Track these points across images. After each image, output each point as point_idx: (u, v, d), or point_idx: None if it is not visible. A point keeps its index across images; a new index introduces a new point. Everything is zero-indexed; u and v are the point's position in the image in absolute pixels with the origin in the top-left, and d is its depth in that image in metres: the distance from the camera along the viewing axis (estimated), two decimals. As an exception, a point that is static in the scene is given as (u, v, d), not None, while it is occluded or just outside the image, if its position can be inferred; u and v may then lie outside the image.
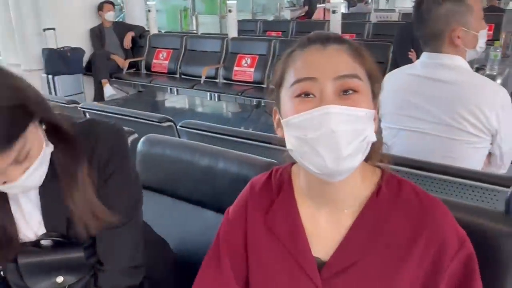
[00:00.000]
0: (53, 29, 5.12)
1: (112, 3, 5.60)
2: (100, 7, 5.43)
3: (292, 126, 0.73)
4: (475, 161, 1.38)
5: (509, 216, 0.92)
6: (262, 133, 1.49)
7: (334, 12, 4.24)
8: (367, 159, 0.78)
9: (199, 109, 6.06)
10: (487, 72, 2.98)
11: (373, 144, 0.75)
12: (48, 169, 0.91)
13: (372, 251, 0.76)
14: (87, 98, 5.43)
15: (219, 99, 4.83)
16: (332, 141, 0.69)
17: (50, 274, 0.97)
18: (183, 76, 5.23)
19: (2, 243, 0.94)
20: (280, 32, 6.84)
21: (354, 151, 0.70)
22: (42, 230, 0.96)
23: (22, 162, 0.83)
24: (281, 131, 0.77)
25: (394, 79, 1.56)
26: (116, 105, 5.59)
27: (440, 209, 0.77)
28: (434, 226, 0.75)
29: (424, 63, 1.48)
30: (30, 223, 0.96)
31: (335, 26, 4.30)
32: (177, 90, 5.12)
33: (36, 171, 0.87)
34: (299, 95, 0.72)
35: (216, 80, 4.97)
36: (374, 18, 7.58)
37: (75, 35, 5.33)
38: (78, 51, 5.28)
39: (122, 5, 6.83)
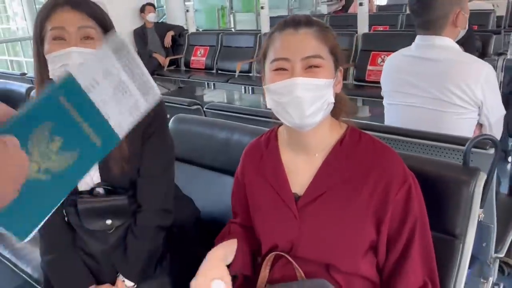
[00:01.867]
0: (101, 31, 5.53)
1: (153, 5, 5.96)
2: (142, 9, 5.79)
3: (270, 91, 0.99)
4: (463, 131, 1.55)
5: (466, 167, 1.12)
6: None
7: (361, 4, 4.36)
8: (335, 115, 1.03)
9: (236, 103, 6.34)
10: (508, 57, 3.05)
11: (339, 104, 1.01)
12: None
13: (335, 185, 1.00)
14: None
15: (253, 91, 5.07)
16: (297, 104, 0.94)
17: (102, 217, 1.23)
18: (219, 71, 5.50)
19: None
20: (313, 27, 6.96)
21: (315, 110, 0.95)
22: (97, 177, 1.23)
23: (86, 43, 1.12)
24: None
25: (392, 61, 1.76)
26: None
27: (390, 154, 1.00)
28: (383, 166, 0.98)
29: (417, 45, 1.67)
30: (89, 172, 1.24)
31: (363, 18, 4.41)
32: (213, 84, 5.40)
33: (84, 58, 1.08)
34: (276, 69, 0.97)
35: (250, 74, 5.21)
36: (410, 9, 7.54)
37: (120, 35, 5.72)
38: (123, 51, 5.67)
39: (163, 6, 7.19)
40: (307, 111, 0.94)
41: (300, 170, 1.05)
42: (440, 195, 1.11)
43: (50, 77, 1.15)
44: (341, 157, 1.02)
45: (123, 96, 0.47)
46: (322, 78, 0.95)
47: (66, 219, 1.26)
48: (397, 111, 1.71)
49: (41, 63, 1.15)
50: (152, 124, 1.24)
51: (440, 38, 1.61)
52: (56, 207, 0.43)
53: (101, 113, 0.45)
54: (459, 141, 1.30)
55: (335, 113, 1.04)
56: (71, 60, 1.11)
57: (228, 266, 1.06)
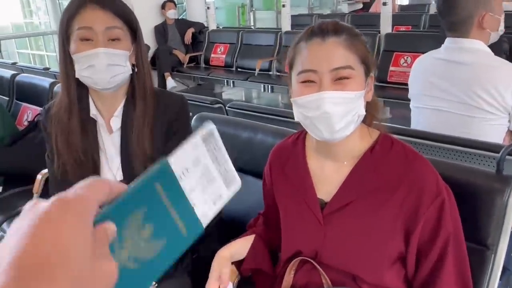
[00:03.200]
0: (122, 27, 5.58)
1: (174, 2, 5.98)
2: (163, 6, 5.82)
3: (298, 105, 0.96)
4: (491, 137, 1.50)
5: (500, 175, 1.08)
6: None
7: (384, 4, 4.29)
8: (366, 121, 1.00)
9: (255, 101, 6.32)
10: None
11: (371, 110, 0.98)
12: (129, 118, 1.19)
13: (363, 194, 0.97)
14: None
15: (272, 90, 5.05)
16: (326, 119, 0.91)
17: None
18: (239, 69, 5.49)
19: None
20: (335, 26, 6.89)
21: (346, 124, 0.92)
22: (119, 176, 1.23)
23: (112, 44, 1.12)
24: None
25: (421, 63, 1.71)
26: (177, 97, 5.97)
27: (422, 164, 0.96)
28: (415, 176, 0.94)
29: (447, 48, 1.62)
30: (111, 167, 1.23)
31: (386, 18, 4.34)
32: (233, 82, 5.40)
33: (116, 59, 1.12)
34: (303, 82, 0.94)
35: (269, 73, 5.19)
36: (434, 9, 7.44)
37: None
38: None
39: (184, 3, 7.21)
40: (336, 126, 0.91)
41: (327, 177, 1.03)
42: (471, 203, 1.07)
43: (76, 76, 1.15)
44: (371, 165, 0.98)
45: (208, 184, 0.46)
46: (352, 91, 0.91)
47: None
48: (425, 114, 1.67)
49: (67, 60, 1.15)
50: (175, 122, 1.23)
51: (470, 41, 1.56)
52: None
53: (189, 201, 0.44)
54: (492, 148, 1.26)
55: (366, 119, 1.00)
56: (98, 61, 1.10)
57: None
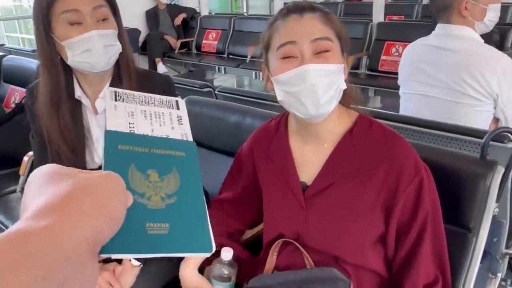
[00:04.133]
0: (113, 11, 5.51)
1: (167, -14, 5.92)
2: (156, -10, 5.76)
3: (280, 82, 0.93)
4: (477, 123, 1.52)
5: (484, 160, 1.09)
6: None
7: (377, -8, 4.28)
8: (343, 103, 1.00)
9: (246, 88, 6.31)
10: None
11: (346, 91, 0.97)
12: None
13: (344, 176, 0.97)
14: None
15: (263, 77, 5.02)
16: (312, 92, 0.90)
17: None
18: (230, 56, 5.47)
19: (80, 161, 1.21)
20: (329, 14, 6.87)
21: (330, 98, 0.92)
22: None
23: (101, 25, 1.09)
24: (270, 85, 0.99)
25: (410, 49, 1.72)
26: (168, 83, 5.93)
27: (401, 144, 0.96)
28: (394, 157, 0.94)
29: (436, 34, 1.63)
30: (97, 150, 1.23)
31: (379, 7, 4.34)
32: (224, 69, 5.37)
33: (109, 39, 1.10)
34: (284, 57, 0.92)
35: (261, 60, 5.16)
36: (426, -1, 7.44)
37: (132, 16, 5.70)
38: (134, 32, 5.66)
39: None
40: (321, 99, 0.90)
41: (309, 160, 1.03)
42: (455, 187, 1.09)
43: (69, 63, 1.12)
44: (351, 147, 0.98)
45: (158, 119, 0.52)
46: (334, 63, 0.91)
47: None
48: (413, 100, 1.68)
49: (50, 46, 1.11)
50: None
51: (459, 27, 1.57)
52: (206, 210, 0.45)
53: (158, 136, 0.49)
54: (477, 133, 1.27)
55: (344, 101, 1.00)
56: (93, 44, 1.07)
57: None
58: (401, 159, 0.94)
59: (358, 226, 0.96)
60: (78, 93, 1.19)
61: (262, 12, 8.90)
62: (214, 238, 0.43)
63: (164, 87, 1.24)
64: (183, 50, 5.94)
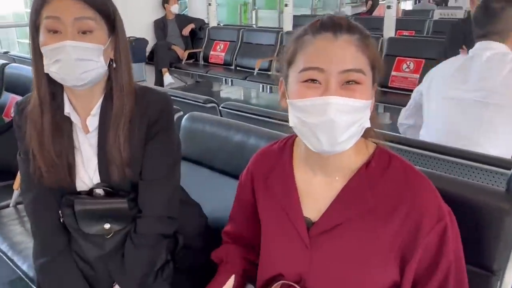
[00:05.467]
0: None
1: (177, -4, 5.89)
2: (166, 0, 5.72)
3: (296, 108, 0.82)
4: (508, 139, 1.46)
5: (510, 194, 0.99)
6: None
7: (389, 7, 4.21)
8: (363, 134, 0.87)
9: (253, 101, 6.24)
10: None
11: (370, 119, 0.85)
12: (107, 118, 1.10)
13: (356, 215, 0.86)
14: (148, 85, 5.76)
15: (271, 91, 4.95)
16: (330, 129, 0.78)
17: (100, 221, 1.14)
18: (238, 68, 5.41)
19: (64, 183, 1.12)
20: (337, 28, 6.80)
21: (349, 137, 0.80)
22: (96, 178, 1.14)
23: (83, 37, 1.00)
24: (285, 103, 0.88)
25: (444, 64, 1.68)
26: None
27: (423, 185, 0.85)
28: (415, 199, 0.83)
29: (474, 49, 1.61)
30: (87, 169, 1.14)
31: (390, 22, 4.26)
32: (231, 80, 5.30)
33: (86, 53, 1.01)
34: (305, 81, 0.80)
35: (269, 72, 5.09)
36: (437, 15, 7.37)
37: (140, 25, 5.67)
38: (142, 41, 5.62)
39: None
40: (340, 137, 0.79)
41: (316, 193, 0.92)
42: (477, 224, 0.98)
43: (45, 71, 1.04)
44: (366, 183, 0.87)
45: None
46: (361, 99, 0.79)
47: (61, 220, 1.17)
48: (444, 109, 1.61)
49: (37, 54, 1.04)
50: (157, 123, 1.13)
51: (501, 44, 1.55)
52: None
53: None
54: (503, 163, 1.17)
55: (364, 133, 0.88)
56: (64, 56, 0.99)
57: None
58: (423, 201, 0.83)
59: (369, 273, 0.86)
60: (67, 109, 1.11)
61: (271, 24, 8.86)
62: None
63: (160, 105, 1.15)
64: (190, 61, 5.89)
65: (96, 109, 1.11)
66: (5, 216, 1.85)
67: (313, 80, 0.79)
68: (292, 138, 1.00)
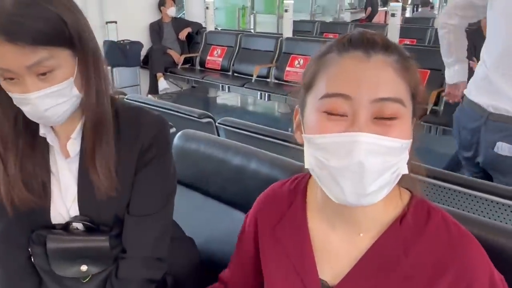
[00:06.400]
0: (115, 22, 5.34)
1: (173, -1, 5.75)
2: (162, 3, 5.57)
3: (314, 145, 0.65)
4: None
5: None
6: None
7: (393, 15, 4.08)
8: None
9: (250, 108, 6.09)
10: None
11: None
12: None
13: (386, 281, 0.69)
14: (142, 90, 5.61)
15: (269, 98, 4.81)
16: (357, 175, 0.61)
17: (76, 262, 0.98)
18: (235, 74, 5.26)
19: (37, 213, 0.96)
20: (337, 35, 6.65)
21: (381, 186, 0.63)
22: (74, 210, 0.97)
23: (44, 79, 0.81)
24: (300, 137, 0.71)
25: None
26: (169, 98, 5.73)
27: (472, 245, 0.68)
28: (462, 266, 0.67)
29: None
30: (65, 198, 0.97)
31: (394, 30, 4.14)
32: (228, 87, 5.16)
33: (55, 99, 0.84)
34: (327, 111, 0.63)
35: (267, 80, 4.95)
36: (438, 23, 7.26)
37: (135, 28, 5.52)
38: (137, 45, 5.46)
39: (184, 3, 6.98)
40: (369, 187, 0.61)
41: (335, 252, 0.74)
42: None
43: (16, 104, 0.86)
44: (400, 243, 0.70)
45: None
46: (399, 138, 0.62)
47: (32, 260, 1.00)
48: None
49: None
50: (150, 149, 0.97)
51: None
52: None
53: None
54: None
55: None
56: (32, 108, 0.83)
57: None
58: (472, 267, 0.67)
59: None
60: (43, 130, 0.94)
61: (270, 29, 8.72)
62: None
63: (155, 129, 0.98)
64: (186, 66, 5.75)
65: (77, 132, 0.95)
66: None
67: (337, 114, 0.63)
68: (305, 179, 0.82)
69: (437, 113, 3.61)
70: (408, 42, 5.95)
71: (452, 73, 1.91)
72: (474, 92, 1.63)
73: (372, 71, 0.62)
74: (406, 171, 0.65)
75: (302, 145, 0.70)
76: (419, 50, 4.23)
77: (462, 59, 1.89)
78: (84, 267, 0.98)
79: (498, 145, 1.52)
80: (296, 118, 0.74)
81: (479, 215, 1.18)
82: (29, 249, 1.00)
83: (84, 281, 0.99)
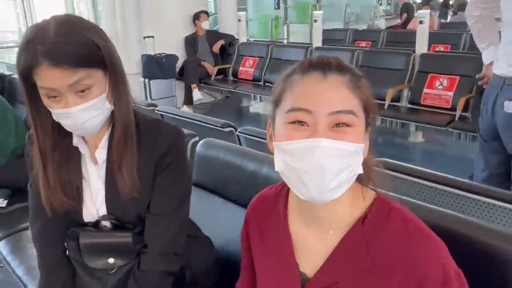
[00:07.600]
0: (152, 37, 5.59)
1: (207, 13, 5.95)
2: (196, 17, 5.78)
3: (282, 151, 0.75)
4: None
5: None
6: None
7: (421, 22, 4.08)
8: (360, 180, 0.81)
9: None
10: None
11: (366, 165, 0.78)
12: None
13: (353, 274, 0.78)
14: (178, 101, 5.82)
15: (299, 107, 4.87)
16: (318, 174, 0.71)
17: (104, 255, 1.11)
18: (266, 84, 5.37)
19: (70, 214, 1.11)
20: (370, 42, 6.70)
21: (339, 184, 0.73)
22: (103, 210, 1.11)
23: (82, 95, 0.96)
24: (272, 147, 0.81)
25: None
26: (204, 108, 5.92)
27: (427, 240, 0.76)
28: (416, 258, 0.74)
29: None
30: (95, 200, 1.11)
31: (422, 38, 4.13)
32: (260, 97, 5.28)
33: (92, 112, 0.98)
34: (292, 122, 0.74)
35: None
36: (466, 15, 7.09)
37: (170, 42, 5.75)
38: (172, 58, 5.70)
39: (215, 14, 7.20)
40: (329, 184, 0.72)
41: (311, 247, 0.84)
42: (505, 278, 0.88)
43: (56, 119, 1.01)
44: (362, 240, 0.78)
45: None
46: (352, 142, 0.73)
47: (67, 253, 1.14)
48: None
49: (38, 107, 1.00)
50: (167, 156, 1.09)
51: None
52: None
53: None
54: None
55: (360, 178, 0.80)
56: (72, 121, 0.98)
57: None
58: (425, 262, 0.74)
59: None
60: (75, 140, 1.09)
61: (303, 38, 8.82)
62: None
63: (171, 138, 1.11)
64: (219, 77, 5.91)
65: (104, 142, 1.09)
66: (23, 239, 1.85)
67: (300, 122, 0.73)
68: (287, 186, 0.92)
69: (466, 119, 3.58)
70: (442, 48, 5.88)
71: (487, 54, 2.06)
72: (495, 65, 1.87)
73: (328, 89, 0.74)
74: (361, 171, 0.76)
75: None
76: (449, 57, 4.21)
77: (494, 42, 2.03)
78: (111, 260, 1.11)
79: (505, 104, 1.76)
80: (269, 131, 0.84)
81: (480, 218, 1.23)
82: (65, 244, 1.15)
83: (111, 272, 1.12)
